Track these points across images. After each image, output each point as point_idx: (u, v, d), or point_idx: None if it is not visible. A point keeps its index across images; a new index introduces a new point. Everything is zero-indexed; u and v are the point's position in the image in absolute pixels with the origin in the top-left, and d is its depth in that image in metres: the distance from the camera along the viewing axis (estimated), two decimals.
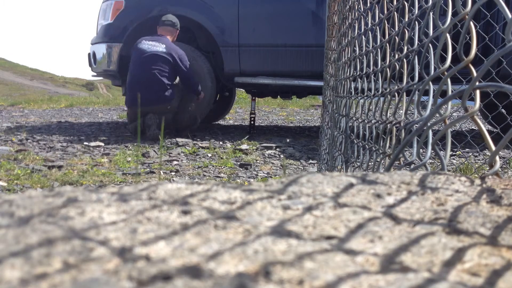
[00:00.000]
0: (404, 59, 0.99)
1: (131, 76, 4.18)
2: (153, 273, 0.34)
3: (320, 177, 0.59)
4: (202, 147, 3.73)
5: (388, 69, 1.09)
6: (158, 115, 4.03)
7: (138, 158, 3.20)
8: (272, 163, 3.24)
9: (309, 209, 0.49)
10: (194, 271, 0.34)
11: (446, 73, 0.71)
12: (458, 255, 0.39)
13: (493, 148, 0.61)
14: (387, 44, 1.12)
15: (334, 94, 2.04)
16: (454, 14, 0.73)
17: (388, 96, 1.04)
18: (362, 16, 1.45)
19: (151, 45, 4.15)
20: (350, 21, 1.65)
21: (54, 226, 0.42)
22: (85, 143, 3.79)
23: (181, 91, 4.27)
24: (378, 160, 0.98)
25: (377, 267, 0.36)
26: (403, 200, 0.52)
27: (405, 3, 1.03)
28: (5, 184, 2.35)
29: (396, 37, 1.05)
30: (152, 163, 3.07)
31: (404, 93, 0.95)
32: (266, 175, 2.84)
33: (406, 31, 1.00)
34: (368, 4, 1.39)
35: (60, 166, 2.83)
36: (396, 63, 1.03)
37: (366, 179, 0.58)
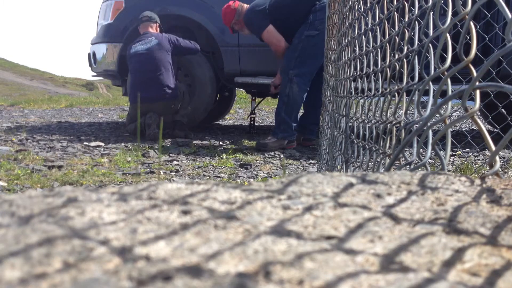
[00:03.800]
0: (404, 59, 0.99)
1: (134, 77, 4.15)
2: (153, 273, 0.34)
3: (320, 177, 0.59)
4: (202, 147, 3.73)
5: (388, 69, 1.09)
6: (158, 114, 4.02)
7: (138, 158, 3.20)
8: (272, 163, 3.24)
9: (309, 209, 0.49)
10: (194, 271, 0.34)
11: (446, 73, 0.71)
12: (458, 255, 0.39)
13: (493, 148, 0.61)
14: (387, 44, 1.12)
15: (334, 94, 2.04)
16: (454, 14, 0.73)
17: (388, 96, 1.04)
18: (362, 16, 1.45)
19: (142, 44, 4.15)
20: (350, 21, 1.65)
21: (54, 226, 0.42)
22: (85, 143, 3.79)
23: (182, 94, 4.27)
24: (378, 160, 0.98)
25: (377, 267, 0.36)
26: (403, 200, 0.52)
27: (405, 3, 1.03)
28: (5, 184, 2.35)
29: (396, 37, 1.05)
30: (152, 163, 3.07)
31: (404, 93, 0.95)
32: (266, 175, 2.84)
33: (406, 31, 1.00)
34: (368, 4, 1.39)
35: (60, 166, 2.83)
36: (396, 63, 1.03)
37: (366, 179, 0.58)
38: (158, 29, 4.38)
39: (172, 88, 4.12)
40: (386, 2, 1.22)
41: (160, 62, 4.08)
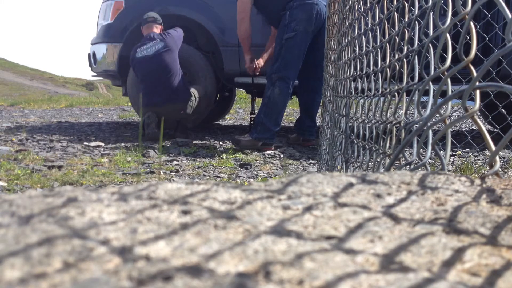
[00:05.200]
0: (404, 59, 0.99)
1: (144, 82, 4.03)
2: (153, 273, 0.34)
3: (320, 177, 0.59)
4: (202, 147, 3.73)
5: (388, 69, 1.09)
6: (168, 117, 3.95)
7: (138, 158, 3.20)
8: (272, 163, 3.24)
9: (309, 209, 0.49)
10: (194, 271, 0.34)
11: (446, 73, 0.71)
12: (458, 255, 0.39)
13: (493, 148, 0.61)
14: (387, 44, 1.12)
15: (334, 94, 2.04)
16: (454, 14, 0.73)
17: (388, 96, 1.04)
18: (362, 16, 1.45)
19: (148, 48, 4.05)
20: (350, 21, 1.65)
21: (54, 226, 0.42)
22: (85, 143, 3.79)
23: (195, 99, 4.21)
24: (378, 160, 0.98)
25: (377, 267, 0.36)
26: (403, 200, 0.52)
27: (405, 3, 1.03)
28: (5, 184, 2.35)
29: (396, 37, 1.05)
30: (152, 163, 3.07)
31: (404, 93, 0.95)
32: (266, 175, 2.84)
33: (406, 31, 1.00)
34: (368, 4, 1.39)
35: (60, 166, 2.83)
36: (396, 63, 1.03)
37: (366, 179, 0.58)
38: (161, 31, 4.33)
39: (184, 91, 4.04)
40: (386, 2, 1.22)
41: (169, 64, 3.98)
